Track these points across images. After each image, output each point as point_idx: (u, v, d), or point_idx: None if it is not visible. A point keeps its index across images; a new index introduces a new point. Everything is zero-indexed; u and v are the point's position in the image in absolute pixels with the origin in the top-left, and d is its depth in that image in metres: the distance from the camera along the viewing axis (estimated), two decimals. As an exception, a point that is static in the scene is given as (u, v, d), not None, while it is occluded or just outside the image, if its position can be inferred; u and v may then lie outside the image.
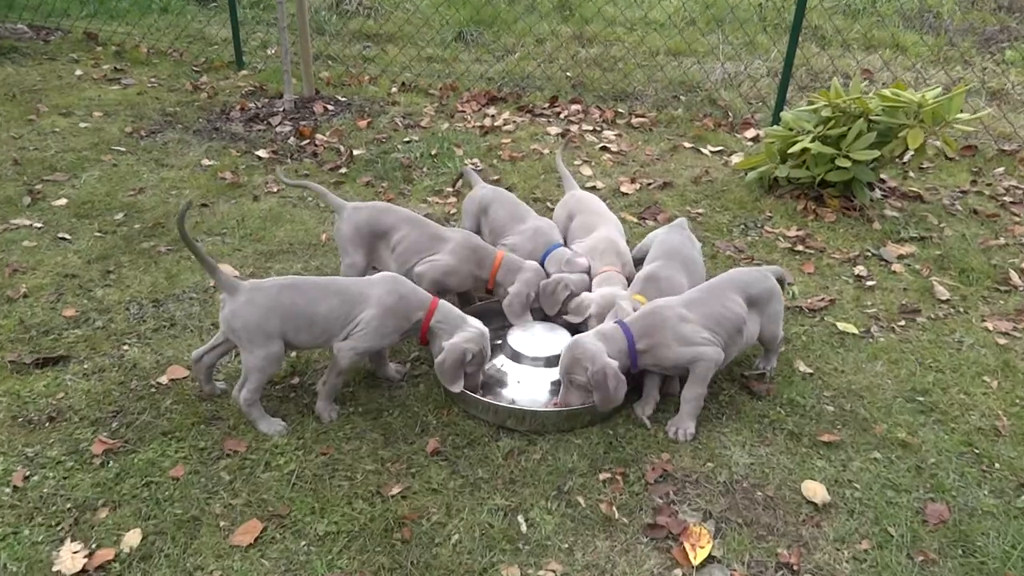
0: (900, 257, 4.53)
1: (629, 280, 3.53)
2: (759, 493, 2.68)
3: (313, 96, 6.95)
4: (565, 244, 3.91)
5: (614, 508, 2.59)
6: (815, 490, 2.66)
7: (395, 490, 2.64)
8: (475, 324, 3.03)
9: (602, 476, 2.73)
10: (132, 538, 2.42)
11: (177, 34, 8.54)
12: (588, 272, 3.59)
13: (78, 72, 7.55)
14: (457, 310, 3.07)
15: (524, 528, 2.52)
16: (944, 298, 4.07)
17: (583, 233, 3.84)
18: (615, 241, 3.75)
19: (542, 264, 3.74)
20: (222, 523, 2.49)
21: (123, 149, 5.75)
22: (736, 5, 8.83)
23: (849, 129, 4.95)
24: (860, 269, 4.36)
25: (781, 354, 3.47)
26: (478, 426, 2.97)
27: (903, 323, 3.82)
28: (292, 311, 2.84)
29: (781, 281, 3.28)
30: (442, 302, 3.06)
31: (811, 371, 3.38)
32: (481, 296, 3.71)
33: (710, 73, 7.66)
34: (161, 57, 8.18)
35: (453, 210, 4.92)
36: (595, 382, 2.81)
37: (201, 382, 3.05)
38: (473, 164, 5.58)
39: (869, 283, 4.20)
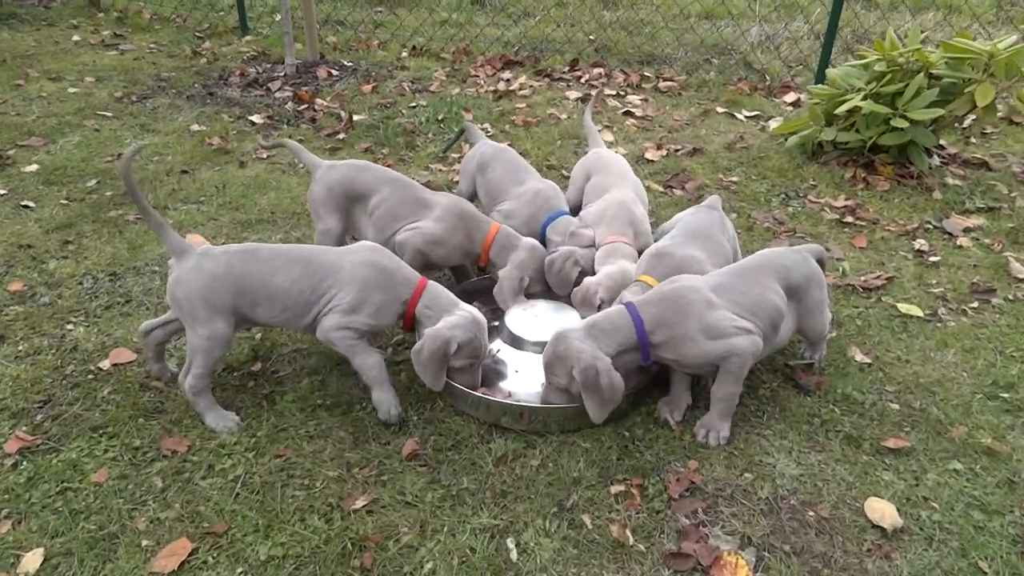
0: (967, 230, 3.93)
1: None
2: (811, 513, 2.16)
3: (317, 61, 6.49)
4: (577, 212, 3.38)
5: (628, 531, 2.09)
6: (882, 511, 2.13)
7: (359, 503, 2.16)
8: (467, 309, 2.53)
9: (614, 489, 2.23)
10: (31, 561, 1.97)
11: (184, 2, 8.11)
12: (593, 246, 3.06)
13: (75, 38, 7.18)
14: (449, 293, 2.57)
15: (514, 555, 2.02)
16: (1022, 276, 3.47)
17: (595, 197, 3.30)
18: (628, 206, 3.15)
19: (543, 233, 3.22)
20: (144, 542, 2.04)
21: (109, 114, 5.34)
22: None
23: (906, 86, 4.32)
24: (921, 243, 3.77)
25: (833, 340, 2.92)
26: (467, 424, 2.48)
27: (976, 305, 3.24)
28: (245, 282, 2.40)
29: (821, 262, 2.70)
30: (431, 283, 2.56)
31: (869, 361, 2.83)
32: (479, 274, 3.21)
33: (746, 34, 7.01)
34: (164, 23, 7.78)
35: (457, 178, 4.42)
36: (584, 385, 2.28)
37: (149, 361, 2.62)
38: (483, 129, 5.06)
39: (932, 259, 3.61)
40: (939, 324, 3.09)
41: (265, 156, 4.69)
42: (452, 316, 2.48)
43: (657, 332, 2.33)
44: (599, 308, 2.73)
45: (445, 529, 2.09)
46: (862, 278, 3.41)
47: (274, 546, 2.02)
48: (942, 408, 2.58)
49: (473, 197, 3.57)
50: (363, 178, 3.01)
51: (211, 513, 2.13)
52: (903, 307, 3.19)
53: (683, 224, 2.93)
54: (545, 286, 3.01)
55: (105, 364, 2.73)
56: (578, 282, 2.92)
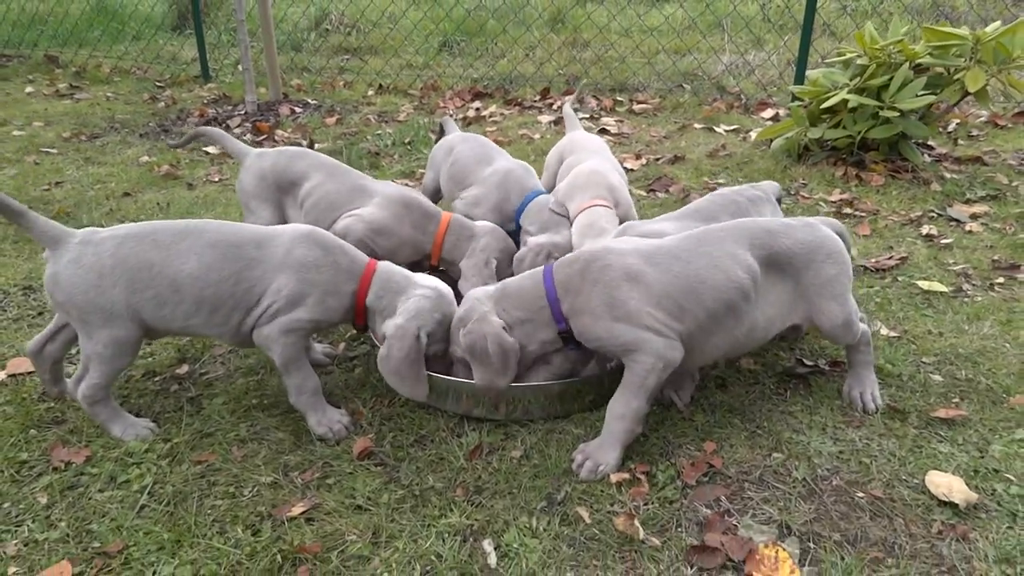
0: (974, 216, 3.66)
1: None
2: (860, 494, 1.74)
3: (279, 100, 6.26)
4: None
5: (637, 523, 1.65)
6: (949, 485, 1.71)
7: (296, 509, 1.71)
8: (428, 283, 2.09)
9: (615, 477, 1.79)
10: None
11: (147, 57, 7.93)
12: (568, 226, 2.70)
13: (29, 89, 6.91)
14: (401, 270, 2.12)
15: (493, 560, 1.57)
16: (1046, 253, 3.17)
17: (568, 174, 2.96)
18: (602, 173, 2.77)
19: (517, 220, 2.85)
20: (12, 570, 1.56)
21: (54, 151, 5.00)
22: (738, 6, 8.12)
23: (891, 78, 4.12)
24: (929, 229, 3.47)
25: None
26: (434, 417, 2.06)
27: (1002, 280, 2.91)
28: (140, 274, 1.90)
29: (842, 236, 2.13)
30: (382, 263, 2.12)
31: (897, 335, 2.46)
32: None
33: (716, 63, 6.92)
34: (123, 75, 7.56)
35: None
36: (469, 352, 1.89)
37: (46, 383, 2.16)
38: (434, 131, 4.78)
39: (944, 241, 3.31)
40: (967, 299, 2.75)
41: (217, 179, 4.35)
42: (410, 300, 2.03)
43: (565, 299, 1.88)
44: None
45: (404, 534, 1.64)
46: (873, 260, 3.09)
47: (181, 564, 1.56)
48: (991, 377, 2.20)
49: (436, 193, 3.22)
50: (297, 165, 2.62)
51: (105, 531, 1.66)
52: (924, 284, 2.85)
53: (687, 208, 2.44)
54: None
55: (0, 375, 2.28)
56: None
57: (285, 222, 2.63)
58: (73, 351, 2.30)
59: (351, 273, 2.04)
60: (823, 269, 1.95)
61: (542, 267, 1.97)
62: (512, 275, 2.34)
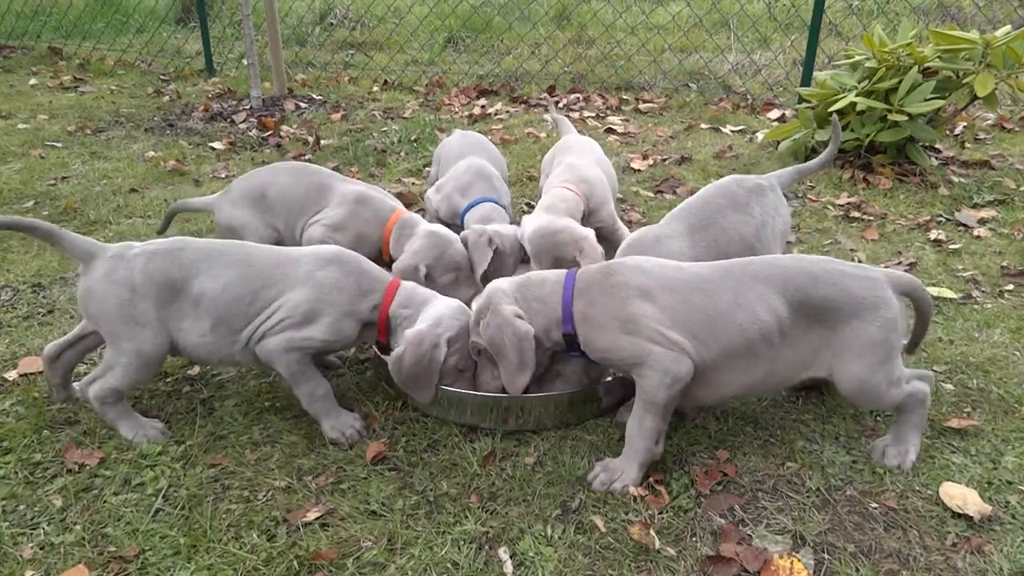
0: (982, 221, 3.66)
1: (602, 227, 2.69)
2: (874, 505, 1.74)
3: (285, 95, 6.24)
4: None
5: (652, 532, 1.65)
6: (963, 497, 1.72)
7: (311, 515, 1.71)
8: (449, 301, 2.11)
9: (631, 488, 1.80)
10: None
11: (150, 50, 7.90)
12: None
13: (33, 82, 6.88)
14: (425, 289, 2.14)
15: (509, 568, 1.58)
16: (1051, 260, 3.17)
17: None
18: (579, 167, 2.80)
19: (461, 220, 2.84)
20: (29, 573, 1.57)
21: (59, 144, 4.99)
22: (745, 5, 8.09)
23: (900, 82, 4.11)
24: (937, 234, 3.47)
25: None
26: (445, 423, 2.06)
27: (1011, 287, 2.91)
28: (166, 289, 1.94)
29: (919, 298, 1.92)
30: (405, 281, 2.14)
31: (907, 342, 2.46)
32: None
33: (722, 62, 6.90)
34: (128, 68, 7.53)
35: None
36: (491, 344, 1.88)
37: (55, 387, 2.15)
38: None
39: (952, 246, 3.31)
40: (976, 306, 2.75)
41: (224, 176, 4.34)
42: (433, 307, 2.05)
43: (579, 305, 1.85)
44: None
45: (420, 541, 1.65)
46: (881, 265, 3.08)
47: (198, 570, 1.56)
48: (1002, 387, 2.21)
49: None
50: (257, 177, 2.72)
51: (121, 534, 1.66)
52: (933, 290, 2.85)
53: (685, 203, 2.42)
54: (455, 276, 2.52)
55: (12, 375, 2.28)
56: (495, 264, 2.50)
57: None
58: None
59: (373, 290, 2.06)
60: (865, 330, 1.77)
61: (571, 270, 1.96)
62: (455, 265, 2.45)
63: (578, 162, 2.83)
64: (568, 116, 5.64)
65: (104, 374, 1.96)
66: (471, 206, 2.78)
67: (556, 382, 2.00)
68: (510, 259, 2.55)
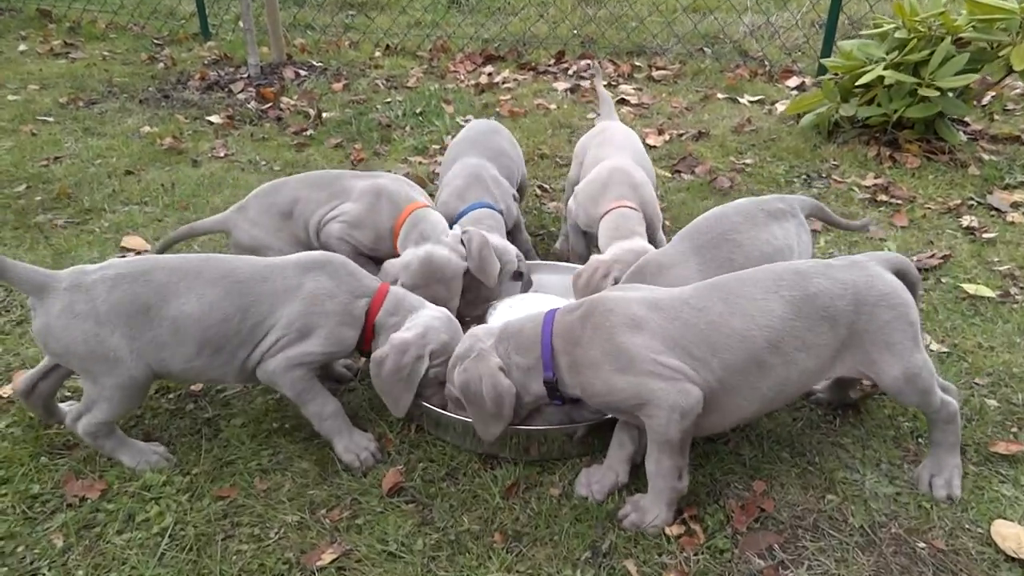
0: (1015, 205, 3.50)
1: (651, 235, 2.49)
2: (921, 544, 1.65)
3: (284, 62, 6.00)
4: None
5: (689, 582, 1.56)
6: (1018, 539, 1.62)
7: (326, 557, 1.62)
8: (438, 309, 2.01)
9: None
10: None
11: (143, 11, 7.60)
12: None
13: (22, 47, 6.63)
14: (414, 296, 2.03)
15: (538, 621, 1.49)
16: (1093, 251, 3.03)
17: (589, 171, 2.78)
18: (625, 170, 2.60)
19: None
20: (29, 628, 1.48)
21: (50, 119, 4.80)
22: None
23: (932, 53, 3.90)
24: (969, 220, 3.32)
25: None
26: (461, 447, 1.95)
27: (1051, 283, 2.78)
28: (137, 317, 1.77)
29: (907, 275, 1.81)
30: (394, 287, 2.03)
31: (947, 349, 2.34)
32: None
33: (738, 24, 6.62)
34: (120, 32, 7.26)
35: (438, 169, 3.93)
36: (463, 391, 1.77)
37: (40, 417, 2.02)
38: (466, 120, 4.58)
39: (986, 235, 3.16)
40: (1015, 305, 2.62)
41: (223, 155, 4.18)
42: (419, 316, 1.94)
43: (564, 350, 1.71)
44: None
45: (442, 589, 1.56)
46: (915, 258, 2.95)
47: (208, 625, 1.48)
48: (1050, 402, 2.09)
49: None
50: (284, 191, 2.54)
51: (126, 580, 1.58)
52: (970, 287, 2.72)
53: (694, 222, 2.21)
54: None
55: (6, 391, 2.18)
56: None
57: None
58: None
59: (364, 295, 1.94)
60: (874, 314, 1.69)
61: (542, 311, 1.80)
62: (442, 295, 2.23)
63: (621, 164, 2.62)
64: (578, 85, 5.44)
65: (89, 409, 1.83)
66: (464, 212, 2.61)
67: (536, 420, 1.87)
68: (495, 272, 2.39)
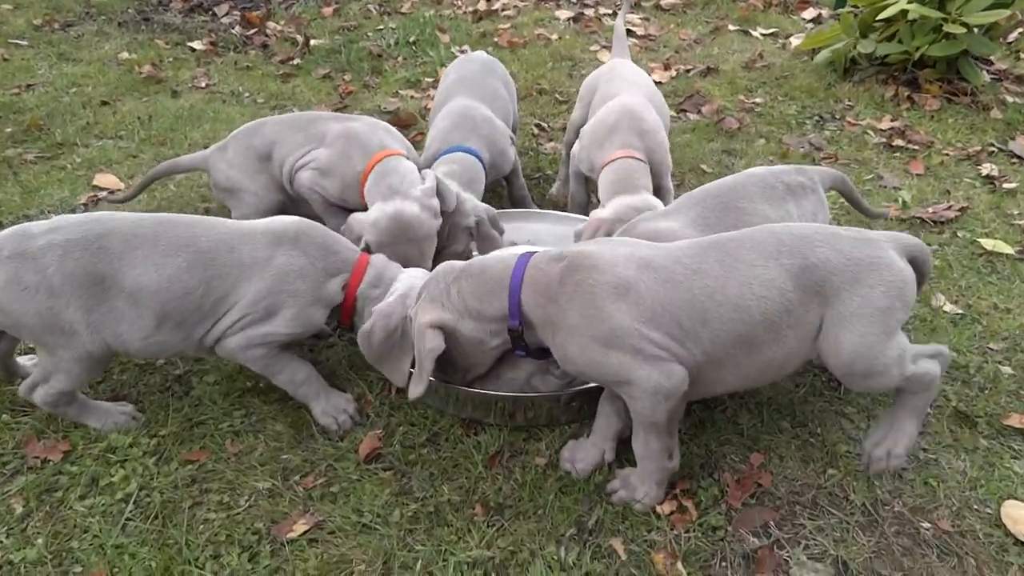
0: (1039, 152, 3.32)
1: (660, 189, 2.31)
2: (926, 524, 1.56)
3: (270, -17, 5.66)
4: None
5: (680, 565, 1.48)
6: (1029, 521, 1.54)
7: (298, 528, 1.54)
8: (417, 271, 1.87)
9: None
10: None
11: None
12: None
13: (-7, -36, 6.27)
14: (395, 265, 1.88)
15: (518, 603, 1.42)
16: (1120, 203, 2.87)
17: (599, 108, 2.56)
18: (635, 112, 2.36)
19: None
20: (-17, 599, 1.41)
21: (24, 43, 4.55)
22: None
23: (960, -15, 3.63)
24: (989, 168, 3.15)
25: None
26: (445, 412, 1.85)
27: (1074, 239, 2.64)
28: (92, 288, 1.64)
29: (920, 265, 1.63)
30: (375, 256, 1.88)
31: (960, 311, 2.22)
32: None
33: (755, -53, 6.22)
34: (98, -50, 6.86)
35: (430, 104, 3.72)
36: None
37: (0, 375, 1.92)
38: (462, 51, 4.33)
39: (1007, 185, 3.00)
40: (1034, 263, 2.49)
41: (204, 85, 3.96)
42: (401, 281, 1.80)
43: (536, 302, 1.55)
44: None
45: (419, 565, 1.48)
46: (929, 209, 2.80)
47: (171, 600, 1.41)
48: (1069, 370, 1.99)
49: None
50: (262, 132, 2.36)
51: (87, 551, 1.50)
52: (987, 243, 2.58)
53: (703, 187, 1.99)
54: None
55: (-33, 342, 2.06)
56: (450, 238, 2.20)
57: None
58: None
59: (341, 271, 1.81)
60: (871, 296, 1.49)
61: (516, 252, 1.64)
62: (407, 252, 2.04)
63: (630, 104, 2.39)
64: (582, 14, 5.14)
65: (47, 380, 1.71)
66: (443, 154, 2.43)
67: (498, 383, 1.76)
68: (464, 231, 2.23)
